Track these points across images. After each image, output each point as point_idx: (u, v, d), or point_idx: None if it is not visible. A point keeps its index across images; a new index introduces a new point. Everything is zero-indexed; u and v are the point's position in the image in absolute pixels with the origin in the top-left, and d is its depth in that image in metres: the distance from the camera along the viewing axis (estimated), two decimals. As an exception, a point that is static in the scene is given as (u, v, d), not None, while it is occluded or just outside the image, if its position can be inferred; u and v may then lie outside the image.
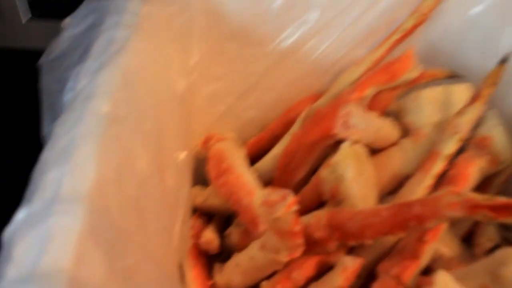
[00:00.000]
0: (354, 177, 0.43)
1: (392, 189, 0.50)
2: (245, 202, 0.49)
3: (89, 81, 0.39)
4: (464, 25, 0.57)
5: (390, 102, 0.54)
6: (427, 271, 0.47)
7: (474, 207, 0.37)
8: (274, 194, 0.37)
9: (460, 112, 0.47)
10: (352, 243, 0.42)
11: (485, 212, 0.36)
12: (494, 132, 0.49)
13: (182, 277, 0.49)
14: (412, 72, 0.51)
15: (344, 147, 0.44)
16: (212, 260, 0.53)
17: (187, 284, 0.48)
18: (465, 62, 0.58)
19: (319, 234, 0.43)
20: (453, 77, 0.55)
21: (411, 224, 0.39)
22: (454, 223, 0.48)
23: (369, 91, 0.52)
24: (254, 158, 0.60)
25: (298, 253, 0.42)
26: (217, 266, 0.50)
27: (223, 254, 0.53)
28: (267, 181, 0.55)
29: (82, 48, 0.46)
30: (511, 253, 0.37)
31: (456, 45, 0.58)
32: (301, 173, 0.53)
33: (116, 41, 0.43)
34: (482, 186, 0.50)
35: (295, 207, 0.37)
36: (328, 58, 0.59)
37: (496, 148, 0.49)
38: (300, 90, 0.60)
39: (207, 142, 0.58)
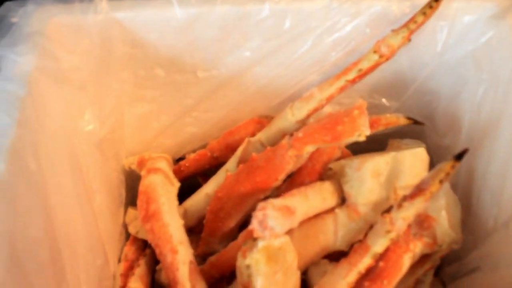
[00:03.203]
0: (264, 285, 0.41)
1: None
2: (168, 259, 0.48)
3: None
4: (434, 60, 0.48)
5: (333, 156, 0.48)
6: None
7: None
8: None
9: (400, 206, 0.42)
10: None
11: None
12: (439, 215, 0.45)
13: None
14: (358, 136, 0.44)
15: (257, 250, 0.41)
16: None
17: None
18: (437, 92, 0.50)
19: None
20: (412, 123, 0.48)
21: None
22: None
23: (308, 149, 0.46)
24: (194, 174, 0.57)
25: None
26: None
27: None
28: (198, 218, 0.53)
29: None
30: None
31: (425, 76, 0.49)
32: (231, 223, 0.50)
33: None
34: (420, 260, 0.47)
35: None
36: (277, 83, 0.51)
37: (437, 231, 0.45)
38: (243, 112, 0.53)
39: (141, 163, 0.54)
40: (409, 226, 0.45)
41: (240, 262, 0.43)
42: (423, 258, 0.47)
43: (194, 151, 0.56)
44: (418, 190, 0.42)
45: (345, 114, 0.45)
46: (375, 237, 0.43)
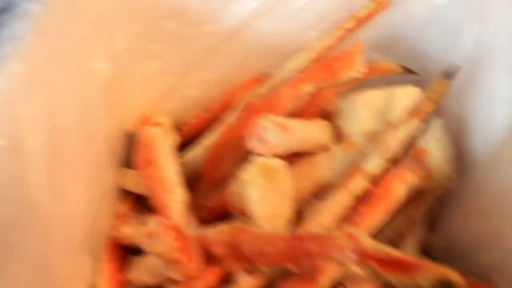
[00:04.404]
0: (259, 199, 0.41)
1: (319, 194, 0.48)
2: (163, 200, 0.48)
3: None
4: (429, 14, 0.51)
5: (330, 100, 0.49)
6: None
7: (364, 256, 0.34)
8: (157, 226, 0.35)
9: (393, 127, 0.43)
10: (247, 265, 0.40)
11: (374, 265, 0.33)
12: (433, 147, 0.45)
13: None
14: (355, 72, 0.46)
15: (253, 164, 0.41)
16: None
17: (99, 278, 0.48)
18: (427, 51, 0.53)
19: (219, 251, 0.41)
20: (406, 73, 0.50)
21: (302, 260, 0.37)
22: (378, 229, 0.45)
23: (307, 88, 0.47)
24: (194, 139, 0.58)
25: (192, 273, 0.41)
26: (134, 261, 0.50)
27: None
28: (197, 171, 0.53)
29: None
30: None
31: (419, 33, 0.52)
32: (228, 168, 0.50)
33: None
34: (414, 200, 0.47)
35: (176, 244, 0.35)
36: (277, 39, 0.54)
37: (431, 164, 0.45)
38: (245, 71, 0.55)
39: (142, 123, 0.56)
40: (404, 157, 0.46)
41: (235, 184, 0.43)
42: (417, 198, 0.47)
43: (195, 116, 0.57)
44: (412, 112, 0.43)
45: (342, 53, 0.47)
46: (370, 159, 0.43)
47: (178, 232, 0.35)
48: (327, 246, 0.35)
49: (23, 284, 0.36)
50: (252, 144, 0.42)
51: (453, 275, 0.31)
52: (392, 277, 0.33)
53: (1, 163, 0.33)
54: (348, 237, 0.35)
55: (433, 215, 0.49)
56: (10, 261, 0.34)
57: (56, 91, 0.41)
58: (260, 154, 0.42)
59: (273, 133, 0.42)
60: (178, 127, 0.58)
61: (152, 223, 0.36)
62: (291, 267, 0.38)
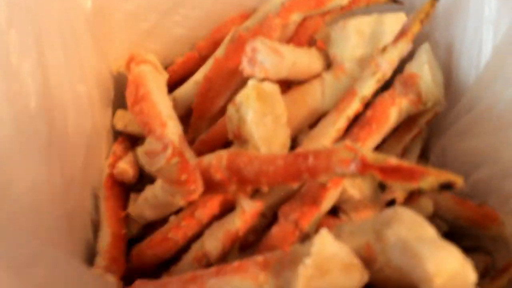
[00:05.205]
0: (256, 120, 0.41)
1: (312, 123, 0.48)
2: (157, 133, 0.48)
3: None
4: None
5: (318, 29, 0.50)
6: (335, 210, 0.47)
7: (365, 166, 0.35)
8: (155, 144, 0.35)
9: (383, 50, 0.44)
10: (249, 187, 0.41)
11: (375, 173, 0.34)
12: (422, 70, 0.46)
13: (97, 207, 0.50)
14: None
15: (247, 87, 0.41)
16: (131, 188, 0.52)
17: (100, 215, 0.48)
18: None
19: (218, 176, 0.42)
20: (392, 3, 0.50)
21: (304, 176, 0.37)
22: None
23: (294, 17, 0.48)
24: (182, 78, 0.58)
25: (194, 197, 0.41)
26: (133, 197, 0.50)
27: (143, 182, 0.52)
28: (188, 107, 0.53)
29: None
30: (397, 213, 0.35)
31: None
32: (220, 102, 0.51)
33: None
34: (406, 125, 0.48)
35: (175, 159, 0.35)
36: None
37: (421, 87, 0.46)
38: (230, 6, 0.55)
39: (129, 62, 0.55)
40: (394, 82, 0.47)
41: (231, 109, 0.43)
42: (409, 122, 0.48)
43: (182, 55, 0.57)
44: (401, 33, 0.44)
45: (328, -19, 0.47)
46: (362, 81, 0.44)
47: (176, 148, 0.35)
48: (328, 159, 0.36)
49: (25, 211, 0.35)
50: (245, 66, 0.42)
51: (454, 177, 0.32)
52: (394, 184, 0.34)
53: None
54: (348, 149, 0.36)
55: (424, 142, 0.51)
56: (10, 186, 0.34)
57: (40, 19, 0.41)
58: (252, 77, 0.42)
59: (265, 55, 0.42)
60: (165, 67, 0.58)
61: (150, 140, 0.35)
62: (292, 184, 0.39)
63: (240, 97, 0.41)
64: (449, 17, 0.49)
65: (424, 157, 0.52)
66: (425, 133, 0.50)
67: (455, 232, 0.45)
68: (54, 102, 0.42)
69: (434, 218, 0.45)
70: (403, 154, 0.49)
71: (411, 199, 0.45)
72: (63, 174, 0.41)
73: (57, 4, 0.44)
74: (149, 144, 0.36)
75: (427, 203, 0.45)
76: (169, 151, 0.35)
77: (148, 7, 0.54)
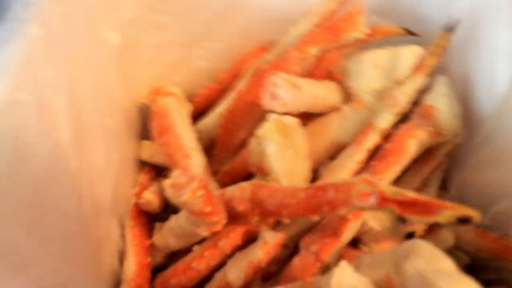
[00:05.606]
0: (276, 153, 0.42)
1: (332, 155, 0.49)
2: (182, 164, 0.49)
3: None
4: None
5: (336, 62, 0.51)
6: (356, 242, 0.47)
7: (383, 200, 0.36)
8: (181, 177, 0.37)
9: (400, 83, 0.45)
10: (271, 219, 0.42)
11: (393, 206, 0.35)
12: (440, 102, 0.47)
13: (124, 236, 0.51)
14: (358, 32, 0.48)
15: (268, 121, 0.43)
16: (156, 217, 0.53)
17: (126, 244, 0.50)
18: (426, 15, 0.54)
19: (241, 207, 0.43)
20: (408, 35, 0.52)
21: (324, 209, 0.38)
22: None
23: (311, 51, 0.49)
24: (205, 110, 0.59)
25: (217, 228, 0.42)
26: (158, 226, 0.51)
27: (168, 211, 0.54)
28: (211, 138, 0.55)
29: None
30: (415, 246, 0.36)
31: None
32: (243, 134, 0.52)
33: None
34: (425, 157, 0.49)
35: (200, 192, 0.37)
36: (281, 6, 0.55)
37: (439, 119, 0.47)
38: (252, 40, 0.57)
39: (154, 94, 0.57)
40: (412, 114, 0.48)
41: (252, 142, 0.45)
42: (428, 154, 0.49)
43: (204, 87, 0.59)
44: (417, 67, 0.45)
45: (344, 15, 0.49)
46: (379, 114, 0.45)
47: (201, 181, 0.36)
48: (346, 192, 0.37)
49: (57, 239, 0.37)
50: (265, 101, 0.43)
51: (471, 211, 0.32)
52: (412, 217, 0.35)
53: (29, 118, 0.34)
54: (366, 182, 0.36)
55: (444, 173, 0.51)
56: (45, 216, 0.35)
57: (72, 56, 0.43)
58: (273, 111, 0.44)
59: (285, 90, 0.43)
60: (189, 99, 0.59)
61: (176, 174, 0.37)
62: (313, 217, 0.40)
63: (262, 130, 0.43)
64: (464, 49, 0.50)
65: (444, 188, 0.52)
66: (446, 164, 0.51)
67: (477, 264, 0.45)
68: (84, 135, 0.44)
69: (455, 250, 0.45)
70: (423, 186, 0.49)
71: (432, 231, 0.45)
72: (92, 204, 0.42)
73: (87, 40, 0.46)
74: (175, 177, 0.37)
75: (448, 236, 0.45)
76: (195, 184, 0.36)
77: (172, 41, 0.56)
